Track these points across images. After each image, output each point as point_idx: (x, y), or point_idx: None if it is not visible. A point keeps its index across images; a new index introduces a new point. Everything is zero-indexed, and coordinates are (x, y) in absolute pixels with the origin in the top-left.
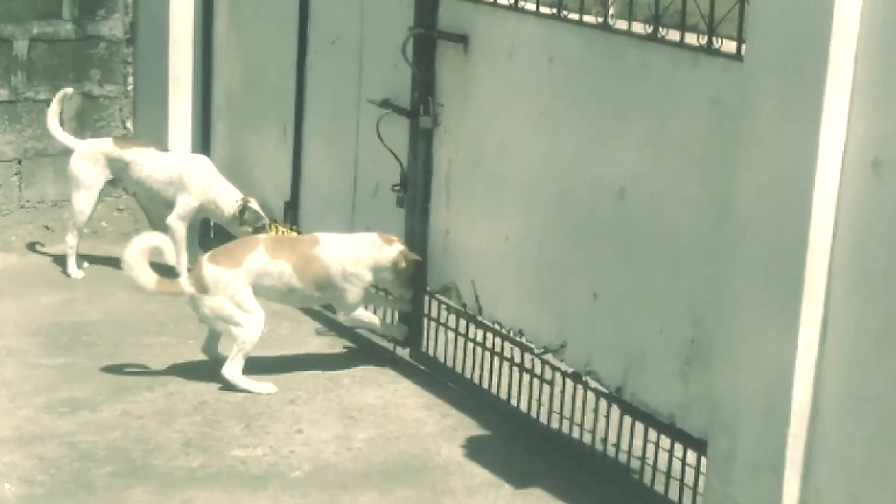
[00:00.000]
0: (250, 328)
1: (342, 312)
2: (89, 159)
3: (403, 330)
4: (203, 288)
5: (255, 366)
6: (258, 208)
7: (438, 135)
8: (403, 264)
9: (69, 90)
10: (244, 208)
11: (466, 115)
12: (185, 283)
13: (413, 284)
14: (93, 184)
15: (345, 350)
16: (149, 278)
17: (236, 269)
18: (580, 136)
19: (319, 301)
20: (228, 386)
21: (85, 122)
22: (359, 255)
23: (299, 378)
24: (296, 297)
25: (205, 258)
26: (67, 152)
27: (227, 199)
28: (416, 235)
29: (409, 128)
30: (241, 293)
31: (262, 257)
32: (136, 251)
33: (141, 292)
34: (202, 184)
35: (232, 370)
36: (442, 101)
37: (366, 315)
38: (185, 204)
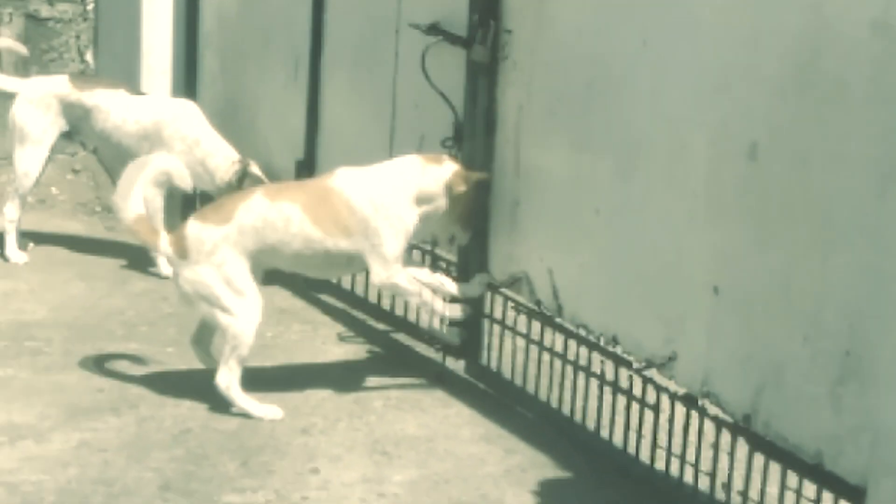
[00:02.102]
0: (242, 317)
1: (378, 269)
2: (38, 105)
3: (483, 281)
4: (182, 251)
5: (254, 381)
6: (261, 174)
7: (505, 71)
8: (461, 188)
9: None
10: (243, 174)
11: (542, 45)
12: (164, 241)
13: (474, 220)
14: (42, 137)
15: (376, 362)
16: (132, 207)
17: (225, 225)
18: (698, 72)
19: (350, 263)
20: (222, 405)
21: (30, 54)
22: (394, 182)
23: (315, 399)
24: (317, 256)
25: (193, 216)
26: (7, 96)
27: (220, 160)
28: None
29: (466, 62)
30: (230, 263)
31: (260, 204)
32: (147, 174)
33: (114, 220)
34: (187, 139)
35: (227, 378)
36: (510, 27)
37: (415, 285)
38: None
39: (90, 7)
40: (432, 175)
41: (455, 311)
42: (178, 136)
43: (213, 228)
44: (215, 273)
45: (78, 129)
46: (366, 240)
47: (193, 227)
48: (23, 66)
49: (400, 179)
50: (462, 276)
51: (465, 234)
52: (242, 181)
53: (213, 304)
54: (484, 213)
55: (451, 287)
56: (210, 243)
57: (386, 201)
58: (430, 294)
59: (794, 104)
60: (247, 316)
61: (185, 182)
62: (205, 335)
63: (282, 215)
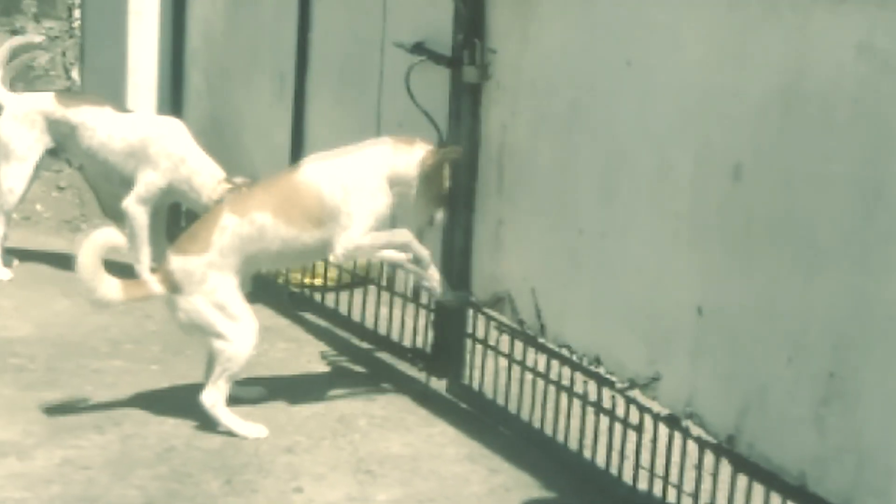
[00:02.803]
0: (237, 341)
1: (340, 244)
2: (23, 121)
3: (462, 297)
4: (174, 286)
5: (239, 399)
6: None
7: (489, 91)
8: (434, 168)
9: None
10: (229, 192)
11: (527, 65)
12: (153, 282)
13: (448, 200)
14: (27, 154)
15: (360, 381)
16: (112, 287)
17: (206, 252)
18: (682, 93)
19: (327, 246)
20: (206, 423)
21: (15, 70)
22: (364, 166)
23: (299, 418)
24: (296, 250)
25: (170, 251)
26: None
27: (206, 178)
28: (458, 226)
29: (451, 81)
30: (221, 288)
31: (231, 222)
32: (88, 259)
33: (105, 307)
34: (173, 156)
35: (213, 397)
36: (494, 46)
37: (383, 236)
38: (149, 183)
39: (76, 24)
40: (404, 157)
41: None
42: (164, 154)
43: (196, 258)
44: (208, 301)
45: (64, 146)
46: (337, 224)
47: (177, 262)
48: (9, 82)
49: (370, 163)
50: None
51: (442, 214)
52: None
53: (208, 332)
54: (467, 230)
55: (403, 237)
56: (198, 273)
57: (357, 185)
58: (389, 233)
59: (779, 125)
60: (242, 340)
61: (123, 244)
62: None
63: (255, 227)
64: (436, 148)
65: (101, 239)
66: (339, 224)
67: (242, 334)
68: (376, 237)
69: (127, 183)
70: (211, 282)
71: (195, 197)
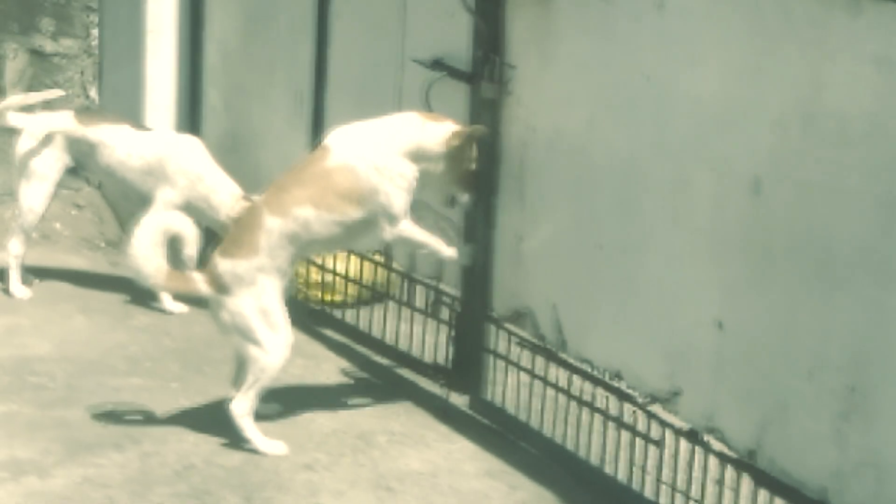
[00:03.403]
0: (273, 351)
1: (387, 226)
2: (43, 141)
3: (469, 252)
4: (223, 287)
5: (258, 416)
6: None
7: (509, 107)
8: (461, 145)
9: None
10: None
11: (546, 81)
12: (199, 280)
13: (476, 181)
14: (47, 173)
15: (379, 397)
16: (160, 270)
17: (255, 256)
18: (701, 108)
19: (370, 226)
20: (226, 440)
21: (34, 88)
22: (391, 139)
23: (318, 435)
24: (341, 234)
25: (216, 254)
26: (12, 132)
27: (224, 195)
28: (479, 243)
29: (470, 97)
30: (268, 292)
31: (274, 224)
32: (152, 231)
33: (147, 284)
34: (190, 174)
35: (243, 407)
36: (514, 62)
37: (421, 233)
38: (166, 200)
39: (94, 43)
40: (431, 132)
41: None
42: (182, 172)
43: (246, 262)
44: (255, 304)
45: (83, 164)
46: (376, 202)
47: (226, 265)
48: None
49: (397, 136)
50: (466, 310)
51: (467, 196)
52: None
53: (247, 337)
54: (488, 246)
55: (443, 249)
56: (248, 276)
57: (388, 163)
58: (436, 241)
59: (797, 140)
60: (276, 351)
61: (190, 235)
62: (243, 376)
63: (299, 223)
64: (463, 128)
65: (167, 221)
66: (379, 202)
67: (278, 345)
68: (419, 234)
69: (145, 201)
70: (260, 284)
71: (213, 214)
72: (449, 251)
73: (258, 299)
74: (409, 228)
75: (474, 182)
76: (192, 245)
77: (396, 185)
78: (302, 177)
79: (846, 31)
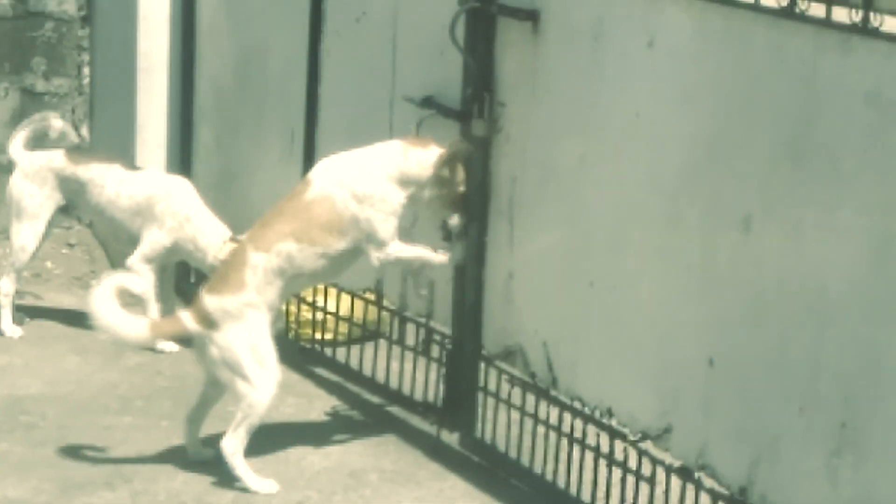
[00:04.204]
0: (261, 388)
1: (374, 254)
2: (35, 179)
3: (460, 249)
4: (211, 323)
5: (249, 454)
6: None
7: (499, 144)
8: (445, 171)
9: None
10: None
11: (536, 119)
12: (186, 318)
13: (465, 204)
14: (38, 212)
15: (371, 435)
16: (139, 325)
17: (242, 292)
18: (690, 145)
19: (355, 254)
20: (217, 479)
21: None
22: (374, 168)
23: (309, 473)
24: (326, 266)
25: (203, 291)
26: (3, 170)
27: (211, 237)
28: (469, 279)
29: (460, 135)
30: (257, 327)
31: (259, 260)
32: (105, 299)
33: (136, 346)
34: (178, 216)
35: (234, 445)
36: (503, 100)
37: (409, 249)
38: (153, 241)
39: (86, 81)
40: (415, 158)
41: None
42: (170, 213)
43: (233, 297)
44: (244, 339)
45: (73, 203)
46: (360, 231)
47: (214, 301)
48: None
49: (380, 163)
50: (457, 348)
51: (458, 220)
52: None
53: (236, 373)
54: (478, 284)
55: (434, 257)
56: (236, 311)
57: (368, 190)
58: (425, 251)
59: (788, 175)
60: (264, 387)
61: (147, 294)
62: (201, 414)
63: (282, 257)
64: (449, 150)
65: (115, 282)
66: (362, 230)
67: (266, 382)
68: (409, 251)
69: (134, 241)
70: (248, 319)
71: (200, 256)
72: (441, 257)
73: (247, 334)
74: (398, 249)
75: (465, 205)
76: (150, 305)
77: (380, 211)
78: (284, 211)
79: (837, 67)
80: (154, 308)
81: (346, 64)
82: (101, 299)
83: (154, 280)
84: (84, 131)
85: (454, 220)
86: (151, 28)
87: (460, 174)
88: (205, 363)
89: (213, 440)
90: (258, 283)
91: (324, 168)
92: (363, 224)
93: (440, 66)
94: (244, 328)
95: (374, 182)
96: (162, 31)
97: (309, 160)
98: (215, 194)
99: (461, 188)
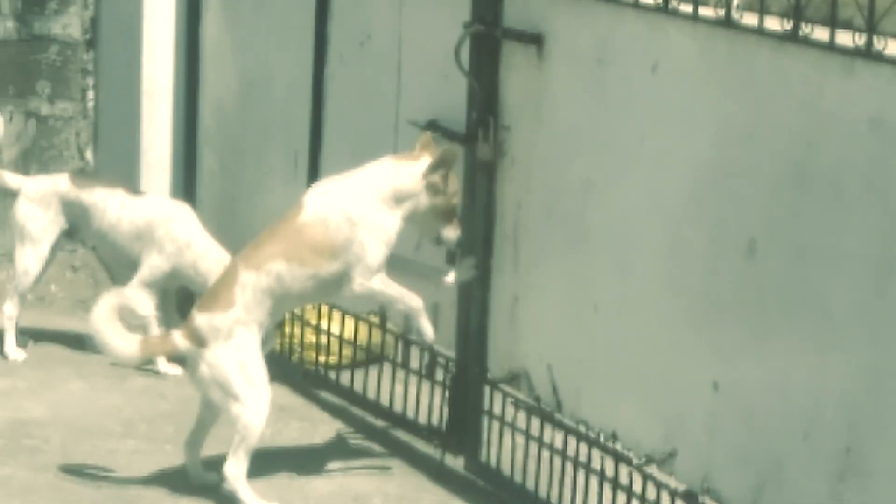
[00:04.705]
0: (253, 407)
1: (358, 278)
2: (39, 203)
3: (470, 265)
4: (200, 340)
5: (253, 478)
6: None
7: (503, 168)
8: (436, 178)
9: None
10: None
11: (541, 143)
12: (177, 336)
13: (457, 216)
14: (42, 235)
15: (375, 459)
16: (129, 342)
17: (232, 309)
18: (694, 169)
19: (345, 278)
20: (219, 502)
21: (30, 151)
22: (367, 190)
23: (314, 497)
24: (316, 288)
25: (194, 309)
26: (8, 193)
27: (211, 262)
28: (474, 303)
29: (465, 159)
30: (246, 344)
31: (249, 279)
32: (104, 314)
33: (125, 364)
34: (178, 241)
35: (236, 469)
36: (508, 124)
37: (393, 286)
38: (153, 266)
39: (90, 105)
40: (405, 171)
41: (463, 271)
42: (170, 238)
43: (223, 315)
44: (234, 356)
45: (77, 227)
46: (351, 254)
47: (203, 318)
48: (23, 163)
49: (373, 185)
50: (461, 371)
51: (452, 233)
52: None
53: (226, 391)
54: (483, 308)
55: (416, 302)
56: (225, 328)
57: (363, 212)
58: (407, 294)
59: (792, 200)
60: (257, 407)
61: (148, 313)
62: (200, 438)
63: (272, 277)
64: (440, 157)
65: (119, 298)
66: (353, 253)
67: (258, 400)
68: (392, 288)
69: (134, 265)
70: (238, 337)
71: (201, 281)
72: (418, 304)
73: (236, 352)
74: (383, 282)
75: (458, 216)
76: (152, 324)
77: (373, 236)
78: (276, 232)
79: (840, 92)
80: (155, 332)
81: (350, 87)
82: (101, 313)
83: (155, 304)
84: (88, 155)
85: (448, 233)
86: (156, 52)
87: (452, 183)
88: (196, 382)
89: (216, 463)
90: (248, 301)
91: (318, 192)
92: (355, 247)
93: (445, 89)
94: (233, 346)
95: (368, 205)
96: (166, 54)
97: (313, 183)
98: (219, 218)
99: (454, 199)
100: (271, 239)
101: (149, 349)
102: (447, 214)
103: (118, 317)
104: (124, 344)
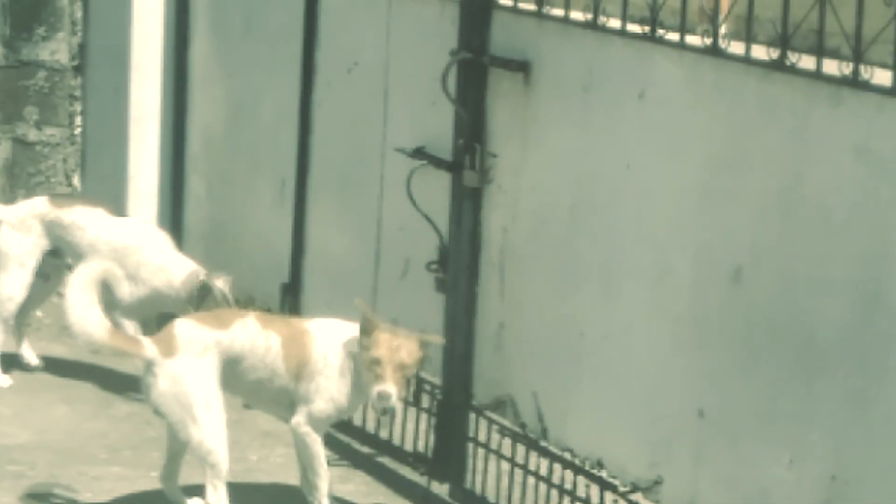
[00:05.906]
0: (211, 432)
1: (301, 416)
2: (20, 228)
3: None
4: (170, 350)
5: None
6: (227, 290)
7: (490, 195)
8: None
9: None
10: (205, 287)
11: (527, 169)
12: (146, 342)
13: (383, 373)
14: (25, 260)
15: (361, 486)
16: (98, 324)
17: (221, 330)
18: (681, 196)
19: (291, 407)
20: None
21: (17, 177)
22: (334, 341)
23: None
24: (271, 391)
25: (183, 318)
26: None
27: (185, 276)
28: (460, 329)
29: (451, 185)
30: (211, 370)
31: (254, 326)
32: (84, 283)
33: (89, 347)
34: (150, 266)
35: (216, 499)
36: (495, 151)
37: (321, 451)
38: (130, 294)
39: (78, 131)
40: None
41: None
42: (143, 263)
43: (209, 331)
44: (198, 374)
45: (59, 247)
46: (308, 387)
47: (185, 326)
48: (9, 190)
49: (339, 341)
50: (447, 398)
51: (378, 391)
52: (205, 296)
53: (185, 411)
54: (469, 334)
55: (324, 480)
56: (201, 344)
57: (328, 362)
58: (325, 469)
59: (778, 228)
60: (215, 431)
61: (121, 286)
62: (173, 469)
63: (266, 342)
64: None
65: (98, 270)
66: (308, 389)
67: (215, 425)
68: (321, 451)
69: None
70: (209, 357)
71: (175, 295)
72: (325, 488)
73: (200, 371)
74: (317, 441)
75: (383, 374)
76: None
77: (334, 390)
78: (289, 322)
79: (827, 120)
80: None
81: (337, 114)
82: (77, 285)
83: (138, 330)
84: (76, 181)
85: (372, 391)
86: (144, 77)
87: (377, 343)
88: (153, 398)
89: (197, 489)
90: (239, 336)
91: (323, 322)
92: (312, 386)
93: (432, 116)
94: (199, 365)
95: (333, 359)
96: (154, 80)
97: (300, 210)
98: (206, 243)
99: (377, 354)
100: (283, 322)
101: (115, 341)
102: (370, 375)
103: (98, 289)
104: (95, 322)
